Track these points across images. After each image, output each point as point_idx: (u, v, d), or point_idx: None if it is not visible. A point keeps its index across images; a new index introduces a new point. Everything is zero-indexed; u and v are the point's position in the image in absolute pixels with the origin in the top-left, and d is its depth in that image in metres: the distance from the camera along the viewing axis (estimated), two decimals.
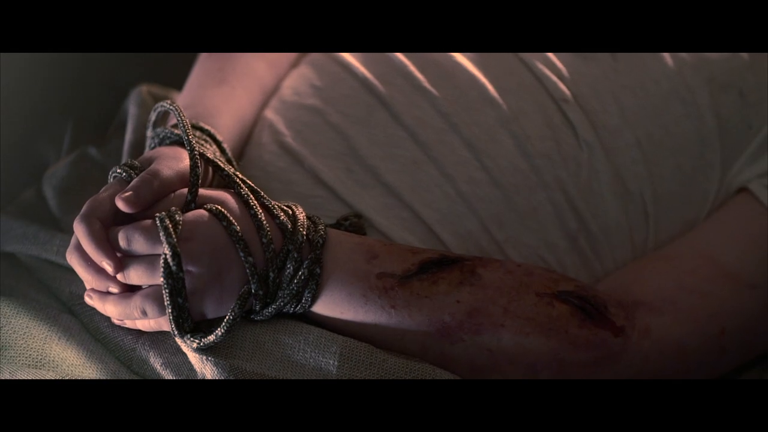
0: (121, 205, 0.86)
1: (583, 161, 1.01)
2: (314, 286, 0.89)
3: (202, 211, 0.88)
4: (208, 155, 0.92)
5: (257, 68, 1.08)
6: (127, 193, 0.86)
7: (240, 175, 0.93)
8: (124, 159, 1.06)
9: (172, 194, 0.89)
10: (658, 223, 1.03)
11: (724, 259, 1.01)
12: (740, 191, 1.06)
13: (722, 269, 1.00)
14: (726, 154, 1.05)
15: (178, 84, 1.13)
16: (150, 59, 1.28)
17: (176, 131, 0.94)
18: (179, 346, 0.90)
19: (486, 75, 1.03)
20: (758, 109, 1.06)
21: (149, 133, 0.99)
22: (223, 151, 0.97)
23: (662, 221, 1.03)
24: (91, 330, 0.93)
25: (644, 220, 1.03)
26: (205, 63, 1.09)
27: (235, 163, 0.98)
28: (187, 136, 0.91)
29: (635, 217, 1.02)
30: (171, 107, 0.94)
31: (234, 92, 1.04)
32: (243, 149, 1.05)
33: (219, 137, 0.97)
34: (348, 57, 1.06)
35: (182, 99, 1.05)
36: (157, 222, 0.85)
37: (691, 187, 1.04)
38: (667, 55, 1.06)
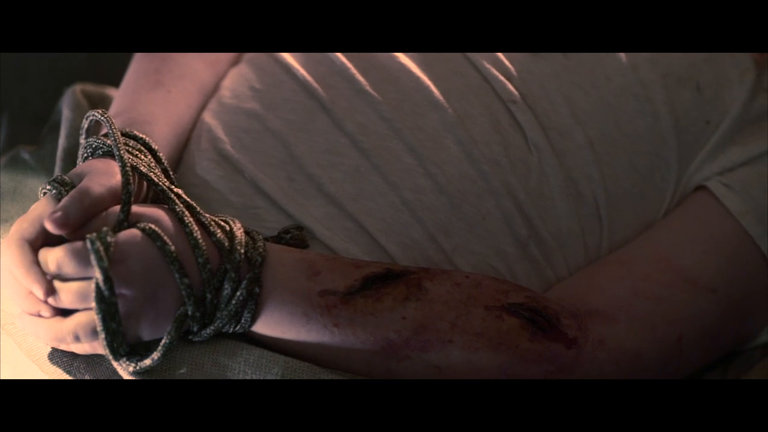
0: (50, 226, 0.86)
1: (532, 165, 1.01)
2: (253, 305, 0.89)
3: (135, 231, 0.88)
4: (142, 168, 0.92)
5: (195, 68, 1.08)
6: (56, 214, 0.86)
7: (176, 190, 0.93)
8: (57, 168, 1.06)
9: (104, 213, 0.89)
10: (612, 225, 1.04)
11: (681, 262, 1.02)
12: (698, 189, 1.06)
13: (679, 273, 1.01)
14: (683, 151, 1.05)
15: (118, 77, 1.12)
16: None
17: (109, 141, 0.94)
18: (116, 368, 0.90)
19: (431, 77, 1.03)
20: (716, 103, 1.07)
21: (82, 141, 0.98)
22: (158, 160, 0.97)
23: (617, 224, 1.04)
24: (25, 350, 0.93)
25: (598, 223, 1.03)
26: (140, 63, 1.09)
27: (171, 172, 0.97)
28: (119, 151, 0.91)
29: (588, 221, 1.03)
30: (102, 118, 0.94)
31: (170, 95, 1.04)
32: (181, 155, 1.04)
33: (154, 146, 0.97)
34: (288, 57, 1.05)
35: (116, 104, 1.05)
36: (88, 245, 0.85)
37: (647, 187, 1.05)
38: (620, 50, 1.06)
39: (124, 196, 0.89)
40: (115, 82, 1.16)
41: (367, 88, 1.02)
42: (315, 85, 1.03)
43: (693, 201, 1.06)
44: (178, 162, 1.04)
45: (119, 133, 0.93)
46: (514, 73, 1.04)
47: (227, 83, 1.09)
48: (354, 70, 1.03)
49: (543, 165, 1.02)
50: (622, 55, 1.06)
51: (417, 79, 1.02)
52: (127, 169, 0.90)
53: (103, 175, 0.91)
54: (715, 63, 1.08)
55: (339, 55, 1.04)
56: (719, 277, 1.02)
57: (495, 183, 1.00)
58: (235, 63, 1.13)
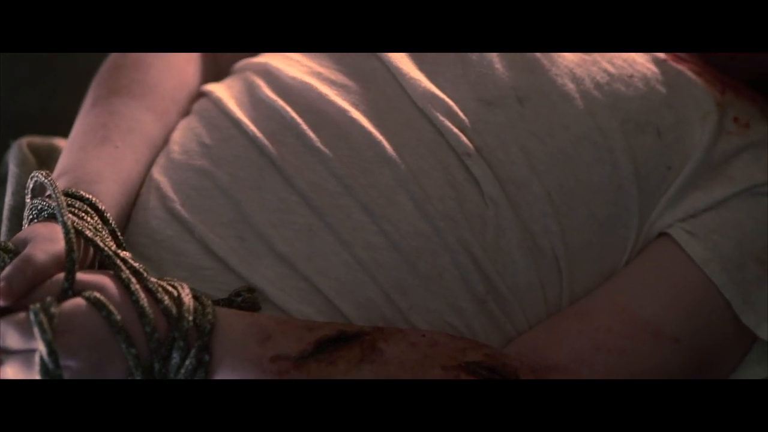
0: None
1: (488, 219, 1.02)
2: (203, 374, 0.89)
3: (79, 300, 0.88)
4: (87, 232, 0.92)
5: (143, 121, 1.08)
6: None
7: (122, 254, 0.93)
8: (3, 227, 1.06)
9: (49, 281, 0.89)
10: (572, 277, 1.04)
11: (643, 312, 1.02)
12: (661, 236, 1.06)
13: (642, 324, 1.01)
14: (644, 198, 1.06)
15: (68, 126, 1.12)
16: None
17: (54, 203, 0.94)
18: None
19: (383, 131, 1.03)
20: (678, 148, 1.07)
21: (27, 201, 0.98)
22: (106, 221, 0.97)
23: (577, 275, 1.04)
24: None
25: (557, 275, 1.03)
26: (87, 117, 1.08)
27: (119, 233, 0.97)
28: (62, 216, 0.90)
29: (547, 274, 1.03)
30: (46, 180, 0.94)
31: (118, 151, 1.04)
32: (130, 213, 1.04)
33: (101, 206, 0.97)
34: (238, 112, 1.06)
35: (63, 161, 1.05)
36: (31, 316, 0.85)
37: (607, 236, 1.05)
38: (577, 97, 1.06)
39: (68, 264, 0.89)
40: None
41: (318, 144, 1.02)
42: (265, 141, 1.03)
43: (655, 249, 1.06)
44: (127, 221, 1.04)
45: (63, 198, 0.92)
46: (468, 124, 1.04)
47: (177, 137, 1.08)
48: (304, 126, 1.03)
49: (499, 219, 1.02)
50: (579, 102, 1.06)
51: (368, 134, 1.02)
52: (71, 235, 0.90)
53: (47, 242, 0.91)
54: (675, 107, 1.09)
55: (289, 109, 1.04)
56: (683, 327, 1.02)
57: (450, 239, 1.00)
58: (185, 114, 1.12)
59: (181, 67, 1.15)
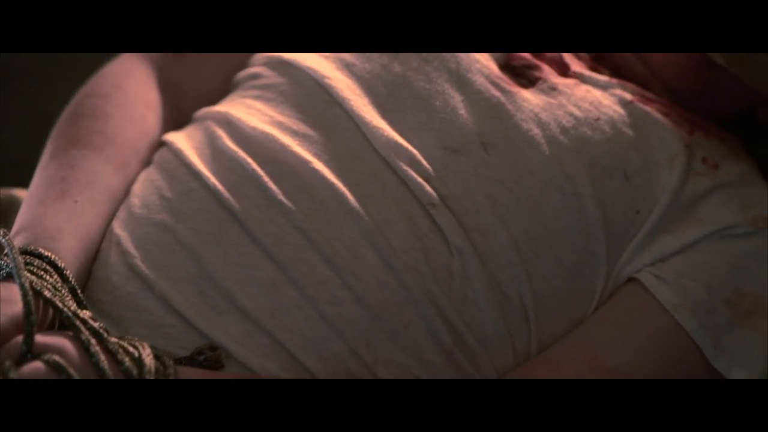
0: None
1: (454, 269, 1.02)
2: None
3: (38, 364, 0.88)
4: (46, 292, 0.92)
5: (103, 174, 1.08)
6: None
7: (82, 314, 0.93)
8: None
9: (7, 344, 0.89)
10: (540, 325, 1.04)
11: (614, 360, 1.02)
12: (630, 281, 1.07)
13: (611, 372, 1.02)
14: (612, 243, 1.06)
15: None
16: None
17: (11, 263, 0.94)
18: None
19: (346, 183, 1.03)
20: (646, 191, 1.08)
21: None
22: (65, 279, 0.96)
23: (545, 323, 1.04)
24: None
25: (525, 324, 1.04)
26: (46, 170, 1.08)
27: (79, 291, 0.97)
28: (20, 278, 0.90)
29: (515, 323, 1.03)
30: (3, 240, 0.94)
31: (77, 206, 1.04)
32: (91, 268, 1.04)
33: (61, 263, 0.97)
34: (198, 164, 1.05)
35: (21, 217, 1.05)
36: None
37: (576, 282, 1.05)
38: (543, 142, 1.07)
39: (26, 327, 0.89)
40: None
41: (280, 197, 1.02)
42: (226, 194, 1.03)
43: (624, 294, 1.07)
44: (88, 276, 1.04)
45: (20, 258, 0.92)
46: (433, 172, 1.04)
47: (137, 189, 1.08)
48: (266, 178, 1.03)
49: (466, 269, 1.02)
50: (545, 148, 1.06)
51: (331, 185, 1.02)
52: (29, 298, 0.89)
53: (5, 303, 0.90)
54: (643, 149, 1.09)
55: (250, 161, 1.04)
56: (654, 373, 1.03)
57: (416, 291, 1.00)
58: (146, 164, 1.12)
59: (141, 116, 1.15)
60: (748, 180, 1.13)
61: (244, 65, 1.19)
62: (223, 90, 1.19)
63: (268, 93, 1.11)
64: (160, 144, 1.14)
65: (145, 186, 1.08)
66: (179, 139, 1.11)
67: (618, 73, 1.19)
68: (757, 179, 1.15)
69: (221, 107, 1.13)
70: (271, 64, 1.14)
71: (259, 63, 1.16)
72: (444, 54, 1.10)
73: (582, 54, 1.19)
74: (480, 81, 1.09)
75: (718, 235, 1.08)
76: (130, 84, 1.17)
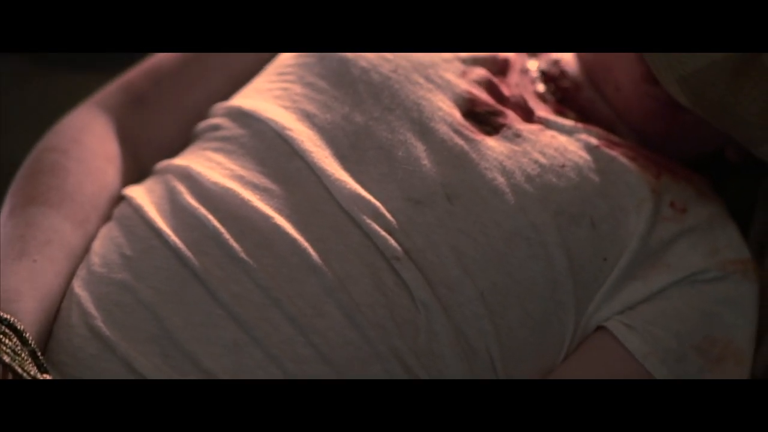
0: None
1: (420, 324, 1.01)
2: None
3: None
4: (5, 357, 0.92)
5: (62, 231, 1.07)
6: None
7: (41, 378, 0.92)
8: None
9: None
10: (508, 377, 1.04)
11: None
12: (599, 330, 1.07)
13: None
14: (580, 292, 1.06)
15: None
16: None
17: None
18: None
19: (308, 237, 1.02)
20: (613, 238, 1.08)
21: None
22: (25, 342, 0.96)
23: (513, 374, 1.05)
24: None
25: (493, 376, 1.04)
26: (4, 228, 1.08)
27: (39, 353, 0.97)
28: None
29: (483, 375, 1.03)
30: None
31: (36, 266, 1.03)
32: (52, 329, 1.03)
33: (20, 326, 0.96)
34: (159, 221, 1.05)
35: None
36: None
37: (544, 333, 1.05)
38: (508, 191, 1.06)
39: None
40: None
41: (242, 254, 1.02)
42: (187, 252, 1.02)
43: (593, 343, 1.07)
44: (48, 337, 1.03)
45: None
46: (396, 225, 1.03)
47: (97, 247, 1.08)
48: (227, 236, 1.02)
49: (431, 323, 1.01)
50: (511, 197, 1.06)
51: (293, 241, 1.02)
52: None
53: None
54: (609, 196, 1.09)
55: (211, 218, 1.04)
56: None
57: (381, 348, 1.00)
58: (106, 219, 1.11)
59: (100, 170, 1.15)
60: (717, 223, 1.14)
61: (204, 115, 1.18)
62: (183, 139, 1.18)
63: (228, 145, 1.11)
64: (120, 198, 1.13)
65: (105, 243, 1.08)
66: (139, 194, 1.10)
67: (584, 114, 1.20)
68: (725, 221, 1.15)
69: (181, 160, 1.12)
70: (232, 115, 1.14)
71: (220, 114, 1.15)
72: (406, 102, 1.10)
73: (547, 96, 1.19)
74: (443, 129, 1.09)
75: (687, 281, 1.09)
76: (89, 137, 1.17)
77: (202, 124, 1.17)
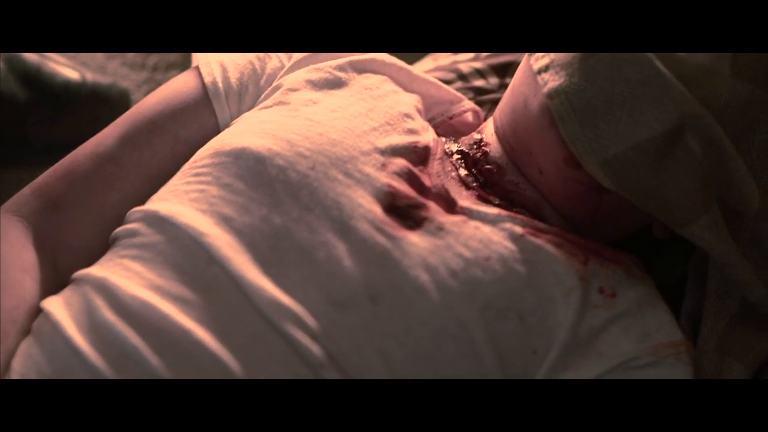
0: None
1: None
2: None
3: None
4: None
5: None
6: None
7: None
8: None
9: None
10: None
11: None
12: None
13: None
14: None
15: None
16: None
17: None
18: None
19: (230, 348, 1.02)
20: (542, 330, 1.08)
21: None
22: None
23: None
24: None
25: None
26: None
27: None
28: None
29: None
30: None
31: None
32: None
33: None
34: (77, 338, 1.04)
35: None
36: None
37: None
38: (432, 288, 1.06)
39: None
40: None
41: (162, 371, 1.01)
42: (107, 371, 1.01)
43: None
44: None
45: None
46: (319, 330, 1.03)
47: (17, 365, 1.06)
48: (146, 353, 1.02)
49: None
50: (435, 295, 1.06)
51: (212, 355, 1.01)
52: None
53: None
54: (536, 287, 1.09)
55: (130, 334, 1.03)
56: None
57: None
58: (25, 334, 1.10)
59: (17, 282, 1.13)
60: (647, 305, 1.14)
61: (122, 217, 1.17)
62: (102, 244, 1.17)
63: (146, 253, 1.10)
64: (40, 310, 1.12)
65: (24, 361, 1.06)
66: (58, 308, 1.09)
67: (508, 198, 1.20)
68: (655, 303, 1.15)
69: (99, 270, 1.11)
70: (148, 220, 1.13)
71: (136, 218, 1.14)
72: (325, 201, 1.09)
73: (470, 182, 1.19)
74: (364, 228, 1.09)
75: (620, 368, 1.09)
76: (4, 247, 1.15)
77: (120, 230, 1.16)
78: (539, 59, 1.17)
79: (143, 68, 1.92)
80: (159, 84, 1.88)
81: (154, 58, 1.92)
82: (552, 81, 1.13)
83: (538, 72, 1.15)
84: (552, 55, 1.15)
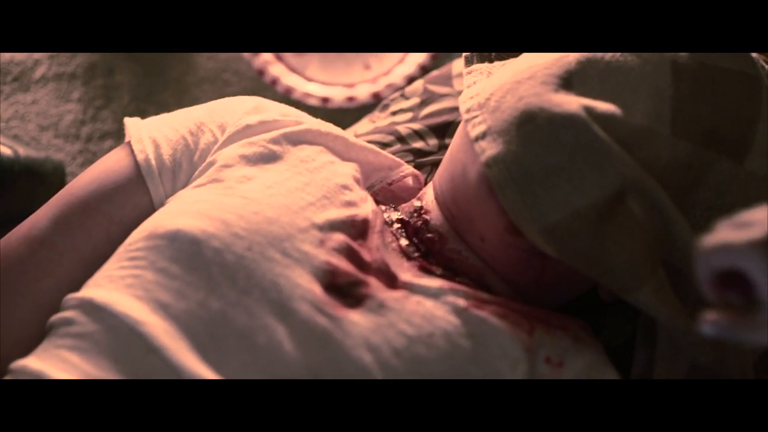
0: None
1: None
2: None
3: None
4: None
5: None
6: None
7: None
8: None
9: None
10: None
11: None
12: None
13: None
14: None
15: None
16: None
17: None
18: None
19: None
20: None
21: None
22: None
23: None
24: None
25: None
26: None
27: None
28: None
29: None
30: None
31: None
32: None
33: None
34: None
35: None
36: None
37: None
38: (377, 369, 1.07)
39: None
40: None
41: None
42: None
43: None
44: None
45: None
46: None
47: None
48: None
49: None
50: (379, 375, 1.06)
51: None
52: None
53: None
54: (482, 361, 1.09)
55: None
56: None
57: None
58: None
59: None
60: (595, 372, 1.14)
61: (56, 305, 1.15)
62: (39, 332, 1.15)
63: (82, 343, 1.08)
64: None
65: None
66: None
67: (451, 267, 1.19)
68: (604, 369, 1.15)
69: (36, 362, 1.09)
70: (84, 308, 1.11)
71: (72, 305, 1.12)
72: (263, 282, 1.08)
73: (412, 252, 1.19)
74: (304, 309, 1.08)
75: None
76: None
77: (56, 318, 1.14)
78: (476, 125, 1.16)
79: (77, 139, 1.90)
80: (93, 155, 1.87)
81: (87, 128, 1.91)
82: (489, 149, 1.13)
83: (476, 139, 1.15)
84: (489, 121, 1.15)
